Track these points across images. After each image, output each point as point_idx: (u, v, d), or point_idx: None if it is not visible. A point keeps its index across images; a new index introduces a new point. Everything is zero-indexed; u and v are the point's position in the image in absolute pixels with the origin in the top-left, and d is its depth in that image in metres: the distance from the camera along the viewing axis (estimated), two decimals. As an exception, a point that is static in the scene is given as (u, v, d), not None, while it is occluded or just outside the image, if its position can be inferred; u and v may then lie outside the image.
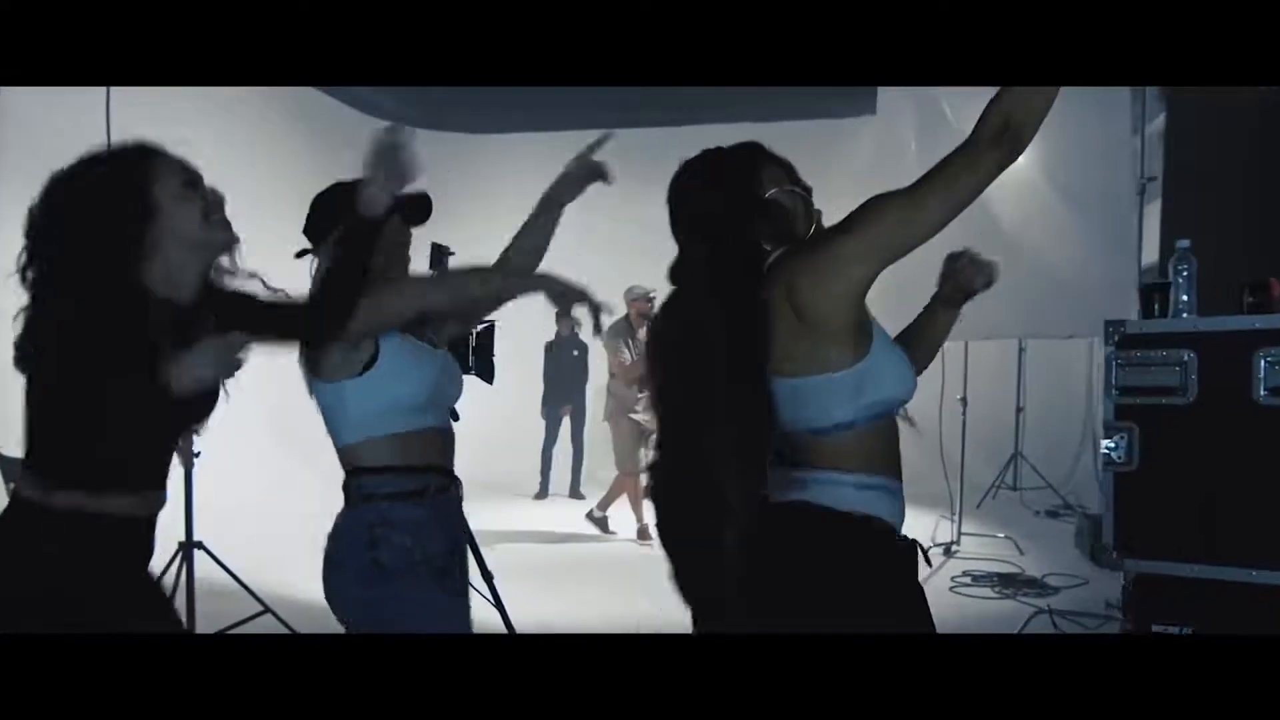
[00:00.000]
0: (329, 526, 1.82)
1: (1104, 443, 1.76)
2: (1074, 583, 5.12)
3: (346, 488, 1.78)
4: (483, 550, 5.73)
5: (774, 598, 1.44)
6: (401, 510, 1.73)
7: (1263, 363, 1.75)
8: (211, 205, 1.67)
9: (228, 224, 1.70)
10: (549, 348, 8.07)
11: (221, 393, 1.70)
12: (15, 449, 1.66)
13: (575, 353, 8.06)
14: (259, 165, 7.83)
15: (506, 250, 2.10)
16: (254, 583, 4.10)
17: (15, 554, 1.54)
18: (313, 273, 1.84)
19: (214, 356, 1.50)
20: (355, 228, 1.64)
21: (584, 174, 2.08)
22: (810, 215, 1.63)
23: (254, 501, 6.37)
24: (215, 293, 1.69)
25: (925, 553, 1.60)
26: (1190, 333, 1.80)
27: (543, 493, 8.14)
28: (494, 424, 8.69)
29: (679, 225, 1.60)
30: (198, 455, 3.86)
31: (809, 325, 1.43)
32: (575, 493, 8.03)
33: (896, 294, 1.86)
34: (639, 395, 6.06)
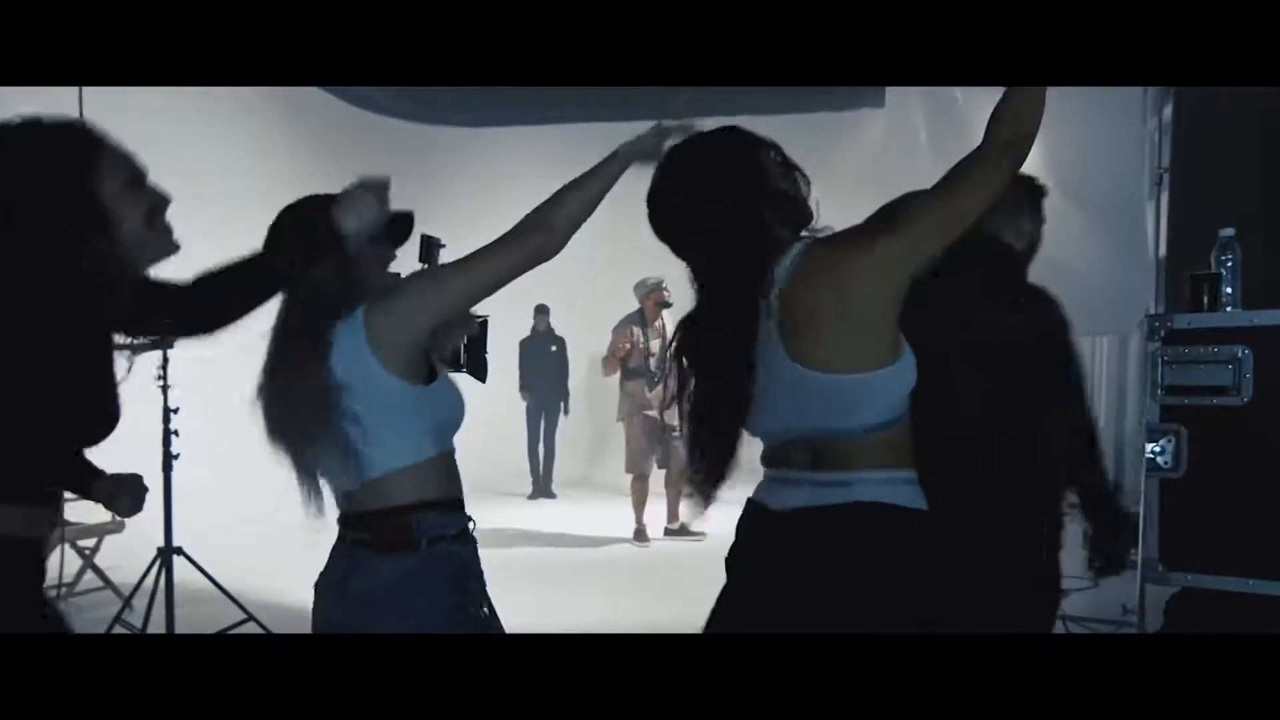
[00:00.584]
0: (320, 534, 1.66)
1: (1149, 447, 1.63)
2: (1081, 585, 4.98)
3: (400, 525, 1.53)
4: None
5: (870, 602, 1.37)
6: (470, 551, 1.63)
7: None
8: (156, 208, 1.51)
9: (169, 230, 1.54)
10: (524, 344, 7.87)
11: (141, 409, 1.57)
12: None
13: (553, 348, 7.86)
14: (250, 161, 7.66)
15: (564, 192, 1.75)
16: (237, 589, 3.94)
17: None
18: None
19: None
20: (316, 255, 1.50)
21: (660, 139, 1.72)
22: (808, 194, 1.59)
23: (239, 506, 6.19)
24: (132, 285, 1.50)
25: None
26: (1245, 327, 1.66)
27: (535, 492, 7.98)
28: (470, 424, 8.53)
29: (686, 231, 1.54)
30: (177, 457, 3.70)
31: (860, 323, 1.38)
32: (546, 492, 7.87)
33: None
34: (651, 392, 5.90)
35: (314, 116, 8.16)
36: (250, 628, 3.78)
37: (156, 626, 3.65)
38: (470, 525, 1.64)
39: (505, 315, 7.98)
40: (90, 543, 4.63)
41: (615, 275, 6.73)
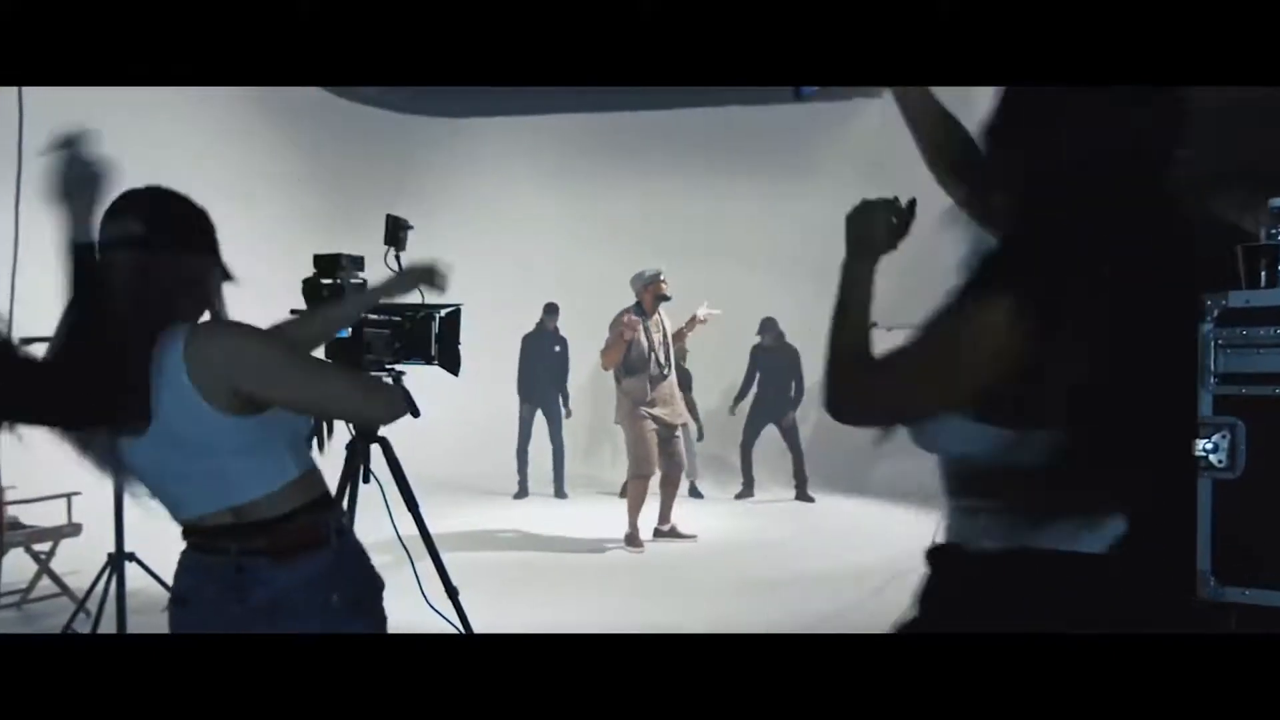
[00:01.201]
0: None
1: (1200, 443, 1.40)
2: (1089, 588, 4.79)
3: (302, 527, 1.58)
4: (461, 554, 5.42)
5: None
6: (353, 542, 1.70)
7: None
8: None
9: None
10: (527, 340, 7.70)
11: None
12: None
13: (556, 348, 7.68)
14: (229, 151, 7.44)
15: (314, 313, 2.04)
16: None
17: None
18: None
19: None
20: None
21: (415, 278, 2.08)
22: None
23: None
24: None
25: None
26: (1314, 305, 1.45)
27: (522, 492, 7.76)
28: (467, 422, 8.33)
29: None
30: (129, 457, 3.46)
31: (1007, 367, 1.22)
32: (560, 493, 7.66)
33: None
34: (654, 391, 5.67)
35: (294, 106, 7.92)
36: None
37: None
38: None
39: (511, 310, 7.80)
40: (45, 547, 4.40)
41: (622, 274, 6.58)
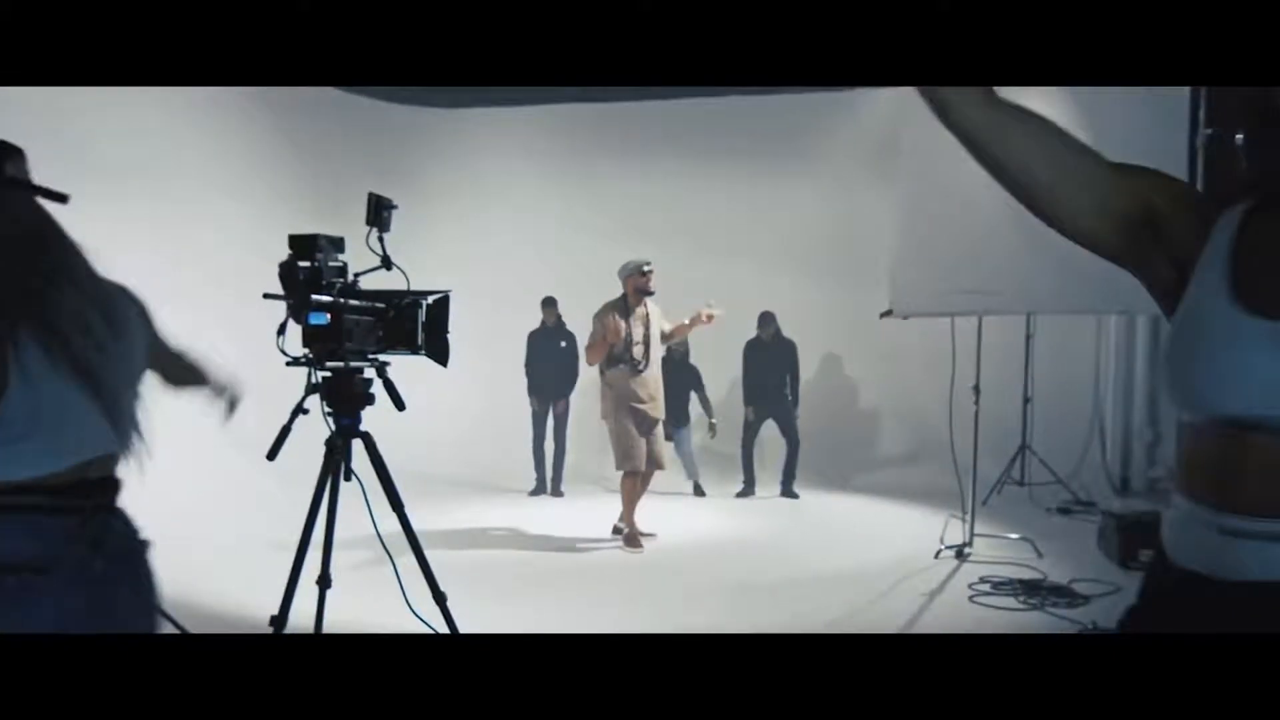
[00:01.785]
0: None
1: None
2: (1105, 590, 4.61)
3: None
4: (452, 553, 5.25)
5: None
6: None
7: None
8: None
9: None
10: (533, 337, 7.52)
11: None
12: None
13: (563, 344, 7.49)
14: (228, 141, 7.23)
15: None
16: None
17: None
18: None
19: None
20: None
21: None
22: None
23: (164, 518, 5.74)
24: None
25: None
26: None
27: (539, 488, 7.56)
28: (459, 416, 8.13)
29: None
30: (96, 453, 3.26)
31: None
32: (556, 491, 7.46)
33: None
34: (634, 382, 5.51)
35: (285, 96, 7.71)
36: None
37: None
38: None
39: (513, 305, 7.59)
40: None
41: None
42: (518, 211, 8.99)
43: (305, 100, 7.71)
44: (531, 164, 9.05)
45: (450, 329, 2.88)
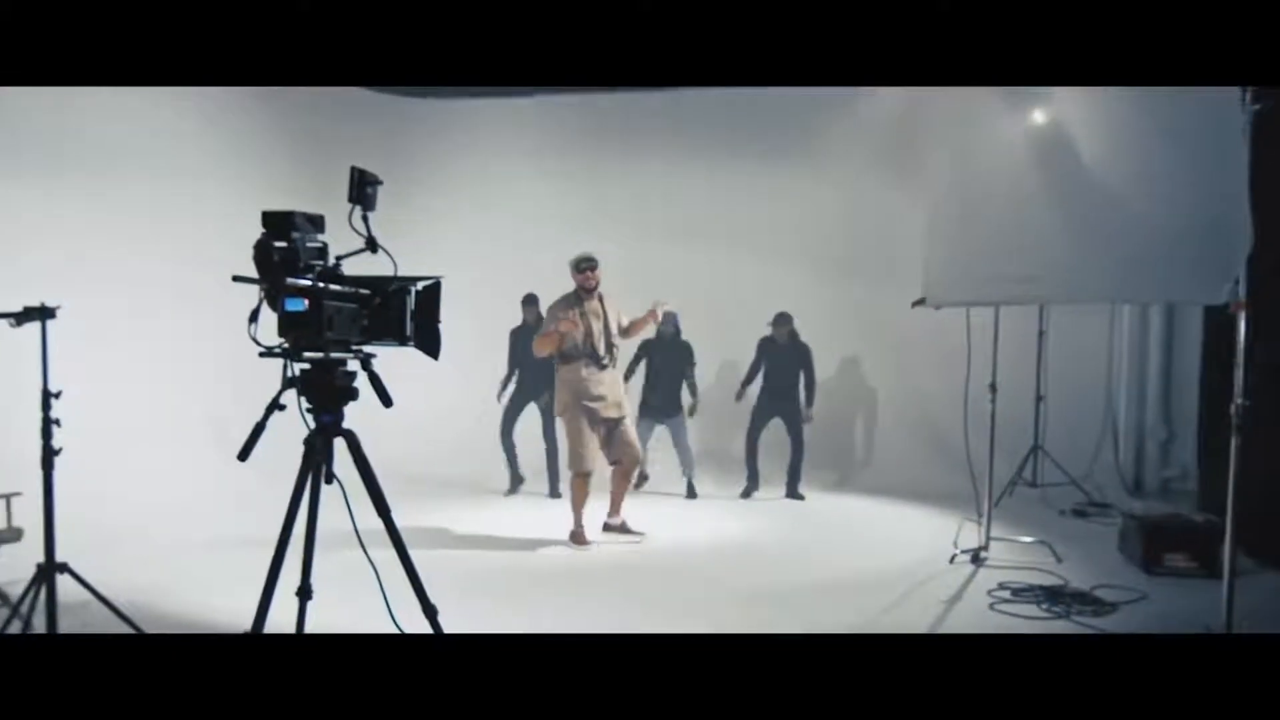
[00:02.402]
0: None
1: None
2: (1131, 597, 4.39)
3: None
4: (453, 554, 5.02)
5: None
6: None
7: None
8: None
9: None
10: (514, 334, 7.29)
11: None
12: None
13: None
14: (226, 131, 6.99)
15: None
16: (135, 607, 3.28)
17: None
18: None
19: None
20: None
21: None
22: None
23: (137, 518, 5.50)
24: None
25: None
26: None
27: (513, 488, 7.32)
28: (453, 413, 7.89)
29: None
30: (58, 453, 3.02)
31: None
32: (554, 492, 7.21)
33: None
34: (589, 383, 5.35)
35: (278, 87, 7.48)
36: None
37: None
38: None
39: (495, 303, 7.37)
40: (-21, 553, 3.95)
41: (619, 261, 6.14)
42: (517, 203, 8.75)
43: (299, 89, 7.47)
44: (532, 155, 8.80)
45: (442, 318, 2.65)
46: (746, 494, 7.28)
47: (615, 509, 5.77)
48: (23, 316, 3.08)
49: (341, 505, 2.43)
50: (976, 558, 5.07)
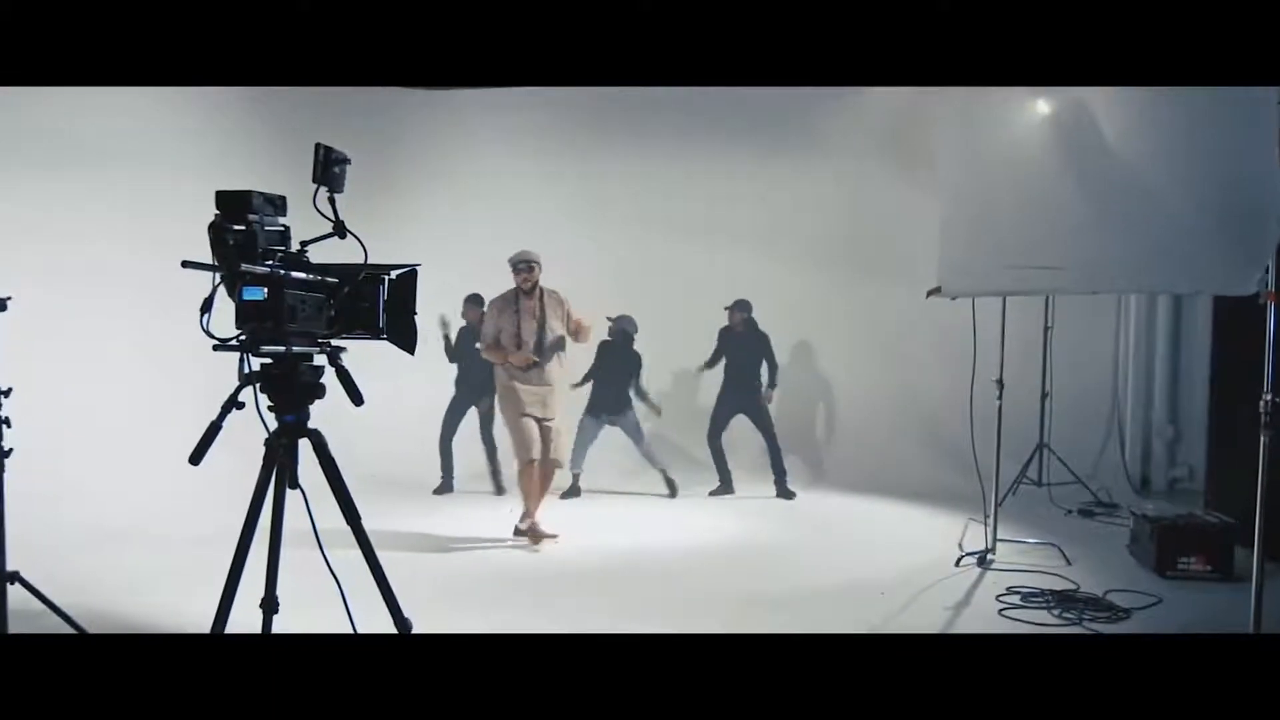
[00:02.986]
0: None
1: None
2: (1146, 602, 4.21)
3: None
4: (429, 557, 4.76)
5: None
6: None
7: None
8: None
9: None
10: (459, 334, 7.14)
11: None
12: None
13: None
14: (221, 122, 6.81)
15: None
16: (92, 616, 3.09)
17: None
18: None
19: None
20: None
21: None
22: None
23: (97, 525, 5.29)
24: None
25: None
26: None
27: (443, 487, 7.15)
28: (399, 416, 7.64)
29: None
30: (8, 454, 2.82)
31: None
32: (499, 489, 7.10)
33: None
34: (524, 391, 5.27)
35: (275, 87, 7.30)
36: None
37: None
38: None
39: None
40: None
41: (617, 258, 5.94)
42: (514, 198, 8.54)
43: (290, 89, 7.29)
44: (530, 148, 8.57)
45: (418, 309, 2.46)
46: (718, 493, 7.05)
47: (530, 513, 5.46)
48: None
49: (301, 514, 2.24)
50: (983, 560, 4.89)
